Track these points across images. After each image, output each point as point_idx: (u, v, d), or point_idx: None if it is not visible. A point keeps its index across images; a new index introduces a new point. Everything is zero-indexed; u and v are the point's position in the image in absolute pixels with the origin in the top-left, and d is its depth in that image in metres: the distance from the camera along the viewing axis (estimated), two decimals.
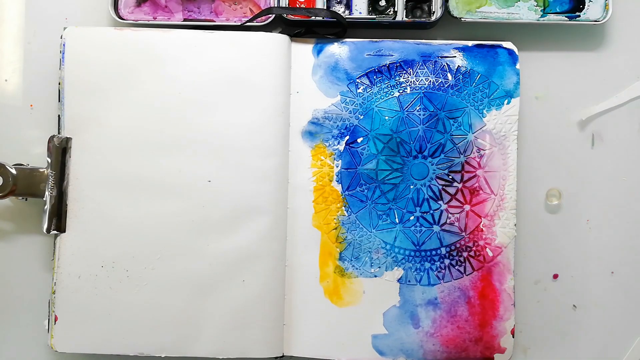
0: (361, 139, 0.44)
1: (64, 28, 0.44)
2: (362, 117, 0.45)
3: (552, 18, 0.45)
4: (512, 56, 0.44)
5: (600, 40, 0.47)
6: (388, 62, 0.45)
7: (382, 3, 0.45)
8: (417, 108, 0.45)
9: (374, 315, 0.44)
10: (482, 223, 0.44)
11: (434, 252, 0.44)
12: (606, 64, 0.47)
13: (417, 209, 0.44)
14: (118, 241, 0.43)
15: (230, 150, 0.43)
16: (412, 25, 0.46)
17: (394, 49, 0.45)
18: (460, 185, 0.44)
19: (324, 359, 0.44)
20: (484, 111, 0.44)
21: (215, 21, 0.45)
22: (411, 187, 0.44)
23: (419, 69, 0.45)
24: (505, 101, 0.44)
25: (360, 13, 0.45)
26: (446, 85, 0.45)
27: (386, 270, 0.44)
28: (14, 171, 0.43)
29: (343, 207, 0.44)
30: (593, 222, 0.46)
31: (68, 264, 0.43)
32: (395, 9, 0.45)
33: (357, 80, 0.45)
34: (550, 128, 0.46)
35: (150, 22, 0.45)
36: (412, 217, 0.44)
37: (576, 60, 0.47)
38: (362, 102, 0.45)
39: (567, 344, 0.46)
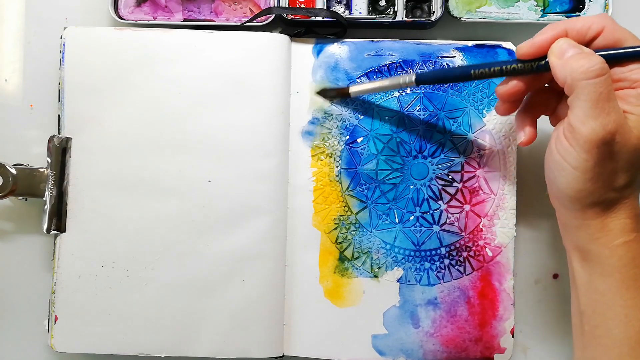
0: (361, 138, 0.44)
1: (64, 28, 0.44)
2: (362, 117, 0.45)
3: (552, 18, 0.45)
4: (511, 56, 0.44)
5: None
6: (388, 62, 0.45)
7: (382, 3, 0.45)
8: (417, 108, 0.45)
9: (374, 315, 0.44)
10: (481, 223, 0.44)
11: (433, 252, 0.44)
12: None
13: (417, 209, 0.44)
14: (118, 241, 0.43)
15: (230, 150, 0.43)
16: (412, 25, 0.46)
17: (394, 49, 0.45)
18: (460, 185, 0.44)
19: (324, 359, 0.44)
20: (484, 111, 0.45)
21: (215, 21, 0.45)
22: (411, 187, 0.44)
23: (419, 69, 0.45)
24: None
25: (360, 13, 0.45)
26: (446, 85, 0.45)
27: (386, 270, 0.44)
28: (14, 171, 0.43)
29: (343, 207, 0.44)
30: None
31: (68, 264, 0.43)
32: (395, 9, 0.45)
33: (357, 80, 0.45)
34: (550, 128, 0.46)
35: (150, 22, 0.45)
36: (412, 217, 0.44)
37: None
38: (362, 102, 0.45)
39: (567, 344, 0.46)
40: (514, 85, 0.37)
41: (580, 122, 0.33)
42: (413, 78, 0.40)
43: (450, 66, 0.44)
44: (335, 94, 0.44)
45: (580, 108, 0.33)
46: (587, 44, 0.35)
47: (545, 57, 0.35)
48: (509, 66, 0.36)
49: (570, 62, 0.33)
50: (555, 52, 0.34)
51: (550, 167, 0.36)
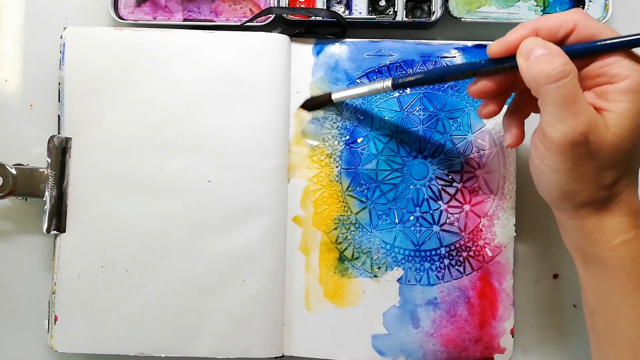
0: (361, 139, 0.44)
1: (64, 28, 0.44)
2: (362, 117, 0.45)
3: None
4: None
5: None
6: (388, 62, 0.45)
7: (382, 3, 0.45)
8: (417, 108, 0.45)
9: (373, 315, 0.44)
10: (481, 223, 0.44)
11: (433, 252, 0.44)
12: None
13: (417, 209, 0.44)
14: (118, 241, 0.43)
15: (230, 150, 0.43)
16: (412, 25, 0.46)
17: (394, 49, 0.45)
18: (459, 186, 0.44)
19: (324, 359, 0.44)
20: None
21: (215, 21, 0.45)
22: (411, 187, 0.44)
23: (419, 69, 0.45)
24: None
25: (360, 13, 0.45)
26: (446, 86, 0.45)
27: (386, 270, 0.44)
28: (14, 171, 0.43)
29: (343, 207, 0.44)
30: None
31: (68, 264, 0.43)
32: (395, 9, 0.45)
33: (357, 80, 0.45)
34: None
35: (150, 22, 0.45)
36: (411, 217, 0.44)
37: None
38: (362, 102, 0.45)
39: (567, 344, 0.46)
40: (483, 84, 0.36)
41: (550, 126, 0.32)
42: (390, 83, 0.40)
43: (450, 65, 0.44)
44: (318, 103, 0.44)
45: (548, 112, 0.32)
46: (561, 41, 0.34)
47: (515, 56, 0.34)
48: (481, 69, 0.36)
49: (533, 67, 0.32)
50: (522, 52, 0.33)
51: (533, 171, 0.35)
